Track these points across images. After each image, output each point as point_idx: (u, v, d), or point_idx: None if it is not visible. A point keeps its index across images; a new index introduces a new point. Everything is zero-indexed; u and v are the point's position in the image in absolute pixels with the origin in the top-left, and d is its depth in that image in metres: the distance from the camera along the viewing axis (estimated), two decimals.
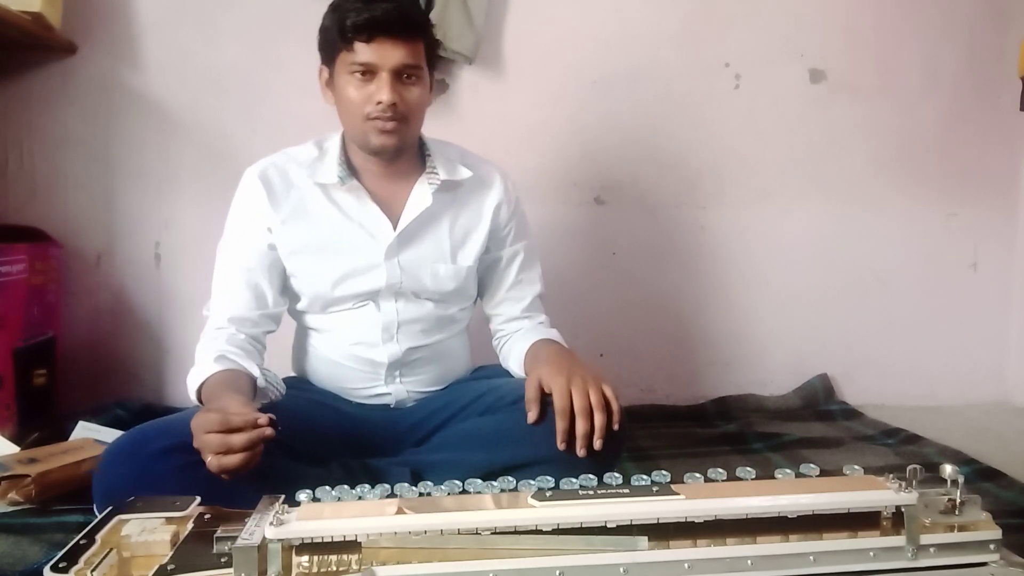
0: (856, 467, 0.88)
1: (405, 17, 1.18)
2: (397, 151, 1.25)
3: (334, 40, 1.19)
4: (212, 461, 0.94)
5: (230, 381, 1.13)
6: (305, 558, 0.76)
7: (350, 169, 1.29)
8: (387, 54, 1.17)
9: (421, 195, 1.29)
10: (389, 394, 1.34)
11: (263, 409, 1.18)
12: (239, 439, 0.94)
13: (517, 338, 1.37)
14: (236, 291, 1.27)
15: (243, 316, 1.26)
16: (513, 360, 1.35)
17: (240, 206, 1.30)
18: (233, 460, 0.94)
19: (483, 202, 1.36)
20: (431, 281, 1.31)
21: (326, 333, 1.34)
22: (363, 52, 1.17)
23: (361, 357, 1.32)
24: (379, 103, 1.18)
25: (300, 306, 1.33)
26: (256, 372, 1.19)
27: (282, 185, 1.28)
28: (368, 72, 1.18)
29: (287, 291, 1.32)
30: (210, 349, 1.20)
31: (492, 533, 0.77)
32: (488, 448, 1.16)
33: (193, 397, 1.18)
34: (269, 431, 0.96)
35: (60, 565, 0.74)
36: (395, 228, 1.29)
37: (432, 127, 1.36)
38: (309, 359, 1.37)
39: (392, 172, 1.29)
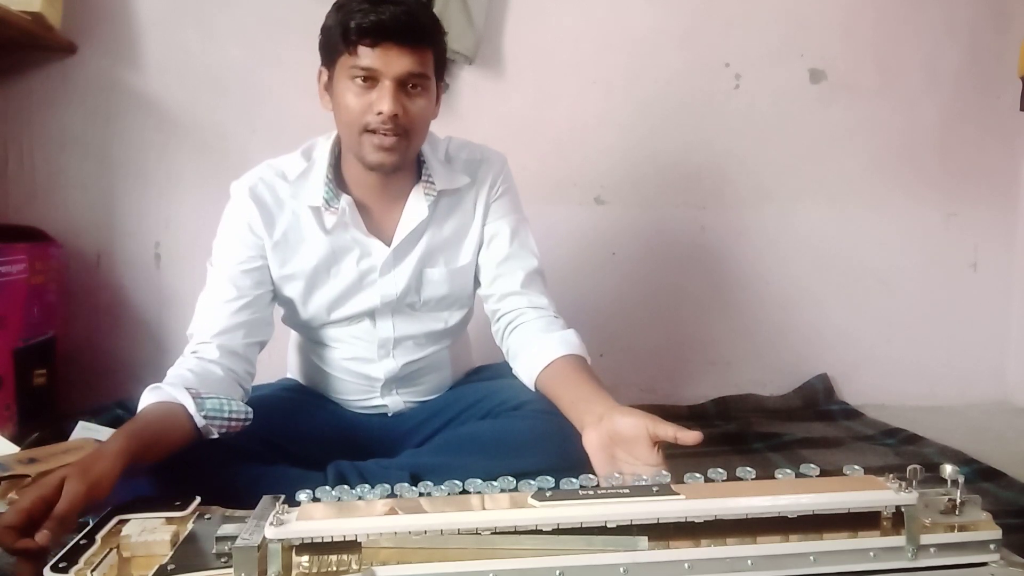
0: (856, 467, 0.88)
1: (415, 23, 1.08)
2: (395, 168, 1.16)
3: (336, 41, 1.10)
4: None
5: (150, 421, 1.00)
6: (305, 558, 0.76)
7: (339, 183, 1.22)
8: (392, 61, 1.08)
9: (416, 207, 1.23)
10: (386, 405, 1.32)
11: (250, 423, 1.10)
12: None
13: (528, 333, 1.23)
14: (227, 306, 1.18)
15: (233, 327, 1.18)
16: (522, 367, 1.22)
17: (231, 224, 1.22)
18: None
19: (475, 197, 1.29)
20: (426, 288, 1.26)
21: (322, 347, 1.30)
22: (366, 56, 1.08)
23: (357, 372, 1.29)
24: (379, 113, 1.09)
25: (295, 324, 1.31)
26: (190, 406, 1.02)
27: (273, 204, 1.21)
28: (370, 79, 1.09)
29: (282, 303, 1.28)
30: (169, 374, 1.10)
31: (492, 533, 0.77)
32: (489, 455, 1.10)
33: None
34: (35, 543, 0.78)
35: (60, 565, 0.74)
36: (389, 243, 1.23)
37: (432, 127, 1.33)
38: (305, 368, 1.36)
39: (386, 183, 1.22)
